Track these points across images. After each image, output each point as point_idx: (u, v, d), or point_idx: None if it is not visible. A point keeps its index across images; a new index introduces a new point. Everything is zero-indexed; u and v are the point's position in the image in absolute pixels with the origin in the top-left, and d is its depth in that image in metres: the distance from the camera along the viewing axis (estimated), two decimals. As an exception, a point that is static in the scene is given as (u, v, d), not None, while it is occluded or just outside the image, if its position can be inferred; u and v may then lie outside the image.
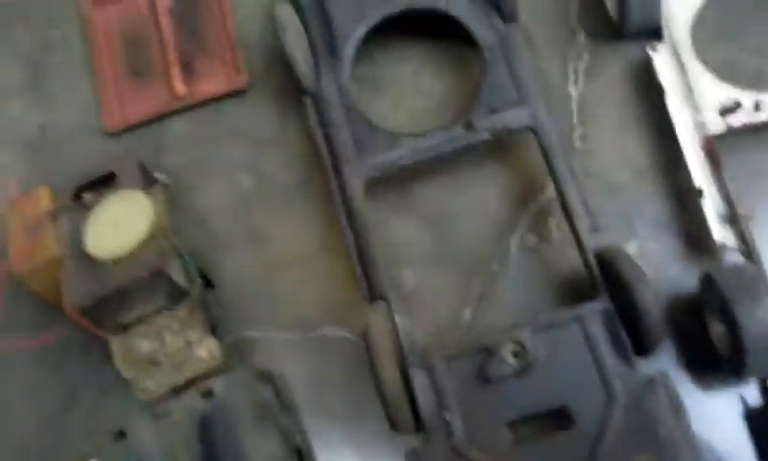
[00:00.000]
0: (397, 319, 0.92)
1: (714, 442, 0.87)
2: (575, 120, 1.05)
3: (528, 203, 1.02)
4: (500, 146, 1.04)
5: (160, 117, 1.13)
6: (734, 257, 0.92)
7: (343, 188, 0.96)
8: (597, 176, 1.02)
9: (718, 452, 0.86)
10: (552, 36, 1.09)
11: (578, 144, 1.04)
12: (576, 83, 1.07)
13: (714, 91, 0.98)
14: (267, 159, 1.09)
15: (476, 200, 1.04)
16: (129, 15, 1.18)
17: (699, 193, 0.94)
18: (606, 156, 1.03)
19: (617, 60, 1.07)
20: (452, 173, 1.05)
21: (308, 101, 1.01)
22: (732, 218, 0.92)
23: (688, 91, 0.99)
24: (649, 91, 1.03)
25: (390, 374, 0.82)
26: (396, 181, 1.03)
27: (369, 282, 0.92)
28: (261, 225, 1.06)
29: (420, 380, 0.85)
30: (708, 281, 0.87)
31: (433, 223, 1.04)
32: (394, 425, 0.84)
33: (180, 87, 1.12)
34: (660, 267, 0.96)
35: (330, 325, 1.00)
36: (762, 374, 0.85)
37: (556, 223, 1.00)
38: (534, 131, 0.95)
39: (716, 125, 0.97)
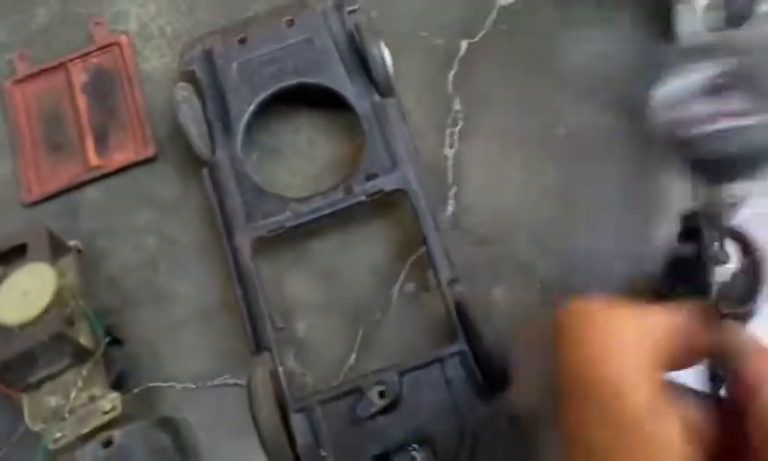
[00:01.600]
0: (287, 366, 1.04)
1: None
2: (450, 180, 1.17)
3: (408, 256, 1.13)
4: (384, 207, 1.14)
5: (76, 187, 1.23)
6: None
7: (234, 249, 1.06)
8: (469, 230, 1.14)
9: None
10: (431, 107, 1.21)
11: (452, 202, 1.15)
12: (452, 146, 1.19)
13: None
14: (170, 223, 1.19)
15: (363, 255, 1.14)
16: (47, 93, 1.28)
17: None
18: (476, 210, 1.15)
19: (490, 121, 1.19)
20: (342, 231, 1.15)
21: (205, 171, 1.11)
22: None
23: None
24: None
25: (264, 418, 0.92)
26: (291, 240, 1.14)
27: (255, 335, 1.02)
28: (165, 284, 1.16)
29: (298, 423, 0.95)
30: None
31: (323, 277, 1.14)
32: (273, 463, 0.93)
33: (94, 158, 1.22)
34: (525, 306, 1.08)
35: (227, 374, 1.10)
36: None
37: (433, 272, 1.10)
38: (405, 192, 1.06)
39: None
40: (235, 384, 1.09)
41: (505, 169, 1.17)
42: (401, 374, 0.95)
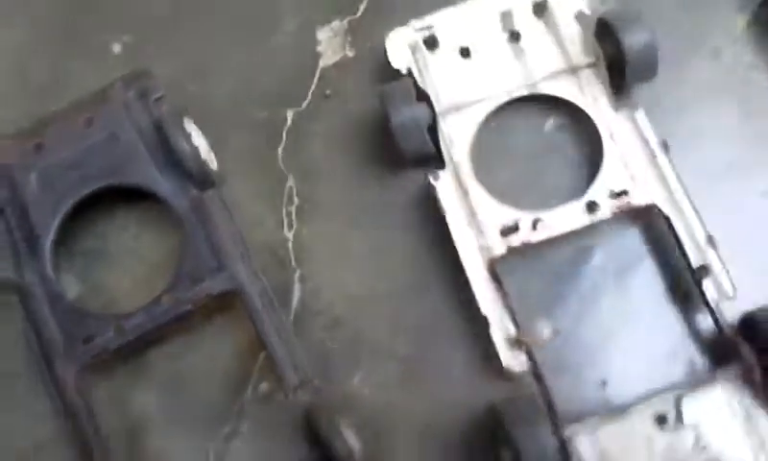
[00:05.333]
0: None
1: None
2: (293, 263, 1.09)
3: (259, 351, 1.04)
4: (227, 301, 1.06)
5: None
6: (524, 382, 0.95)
7: (56, 382, 0.96)
8: (319, 313, 1.07)
9: None
10: (264, 187, 1.13)
11: (297, 286, 1.08)
12: (291, 226, 1.11)
13: (496, 213, 1.01)
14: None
15: (210, 356, 1.05)
16: None
17: (485, 321, 0.96)
18: (324, 291, 1.08)
19: (327, 195, 1.12)
20: (184, 333, 1.06)
21: (14, 299, 1.00)
22: (518, 343, 0.95)
23: (471, 215, 1.01)
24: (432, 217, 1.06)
25: None
26: (128, 351, 1.03)
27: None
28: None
29: None
30: (492, 412, 0.91)
31: (171, 386, 1.05)
32: None
33: None
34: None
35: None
36: None
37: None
38: (236, 293, 0.98)
39: (498, 246, 0.99)
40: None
41: (348, 243, 1.10)
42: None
